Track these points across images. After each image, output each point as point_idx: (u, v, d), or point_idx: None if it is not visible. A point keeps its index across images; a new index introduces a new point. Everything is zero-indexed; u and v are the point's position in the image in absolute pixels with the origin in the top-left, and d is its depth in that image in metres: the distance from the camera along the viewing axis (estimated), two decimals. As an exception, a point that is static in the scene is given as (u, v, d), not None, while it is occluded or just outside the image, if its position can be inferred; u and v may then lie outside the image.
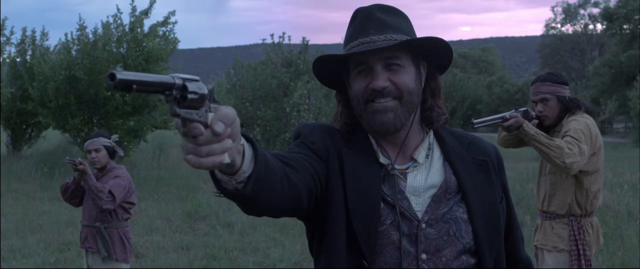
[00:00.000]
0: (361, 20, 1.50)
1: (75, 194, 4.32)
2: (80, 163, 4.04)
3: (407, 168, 1.50)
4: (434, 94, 1.55)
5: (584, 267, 3.38)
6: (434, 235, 1.45)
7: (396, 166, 1.49)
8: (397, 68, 1.46)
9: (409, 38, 1.48)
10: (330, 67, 1.55)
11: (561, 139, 3.28)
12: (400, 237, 1.43)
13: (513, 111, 3.41)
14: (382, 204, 1.44)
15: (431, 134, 1.56)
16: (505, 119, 3.32)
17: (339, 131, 1.55)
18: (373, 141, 1.53)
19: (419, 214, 1.45)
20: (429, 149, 1.54)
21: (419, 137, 1.54)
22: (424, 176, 1.50)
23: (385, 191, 1.46)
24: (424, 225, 1.45)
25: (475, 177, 1.51)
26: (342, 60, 1.52)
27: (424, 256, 1.43)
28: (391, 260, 1.43)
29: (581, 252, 3.38)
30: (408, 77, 1.47)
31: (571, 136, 3.26)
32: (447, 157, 1.53)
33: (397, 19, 1.51)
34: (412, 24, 1.55)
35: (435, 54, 1.52)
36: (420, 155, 1.52)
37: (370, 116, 1.47)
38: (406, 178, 1.49)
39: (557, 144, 3.18)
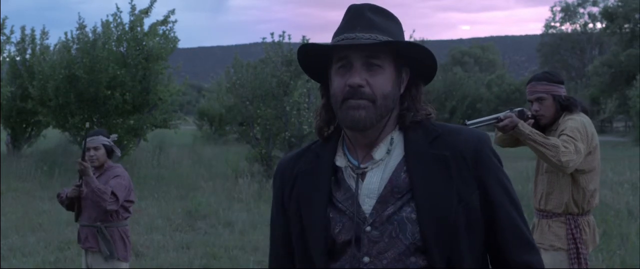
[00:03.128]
0: (351, 17, 1.51)
1: (69, 206, 4.36)
2: (82, 164, 4.03)
3: (366, 167, 1.49)
4: (415, 101, 1.53)
5: (581, 266, 3.38)
6: (377, 237, 1.44)
7: (361, 166, 1.50)
8: (376, 69, 1.46)
9: (391, 39, 1.47)
10: (316, 59, 1.56)
11: (557, 137, 3.28)
12: (347, 242, 1.46)
13: (508, 111, 3.41)
14: (332, 214, 1.49)
15: (396, 131, 1.52)
16: (499, 120, 3.32)
17: (307, 148, 1.62)
18: (340, 144, 1.56)
19: (369, 217, 1.46)
20: (391, 144, 1.51)
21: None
22: (379, 176, 1.48)
23: (338, 198, 1.50)
24: (369, 228, 1.44)
25: (431, 174, 1.44)
26: (327, 53, 1.53)
27: (366, 259, 1.44)
28: (338, 264, 1.48)
29: (579, 250, 3.38)
30: (385, 80, 1.47)
31: (567, 135, 3.27)
32: (405, 155, 1.49)
33: (387, 22, 1.51)
34: (402, 30, 1.55)
35: (419, 62, 1.52)
36: (378, 152, 1.50)
37: (344, 112, 1.48)
38: (365, 178, 1.49)
39: (552, 142, 3.18)
